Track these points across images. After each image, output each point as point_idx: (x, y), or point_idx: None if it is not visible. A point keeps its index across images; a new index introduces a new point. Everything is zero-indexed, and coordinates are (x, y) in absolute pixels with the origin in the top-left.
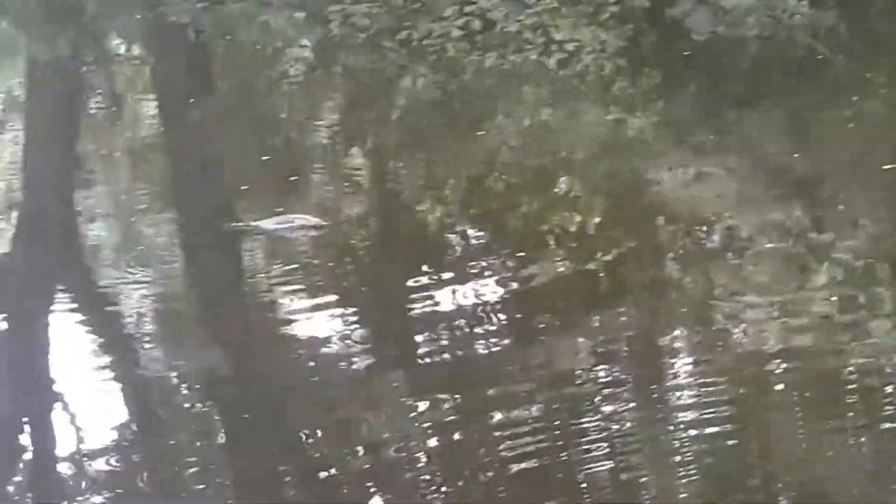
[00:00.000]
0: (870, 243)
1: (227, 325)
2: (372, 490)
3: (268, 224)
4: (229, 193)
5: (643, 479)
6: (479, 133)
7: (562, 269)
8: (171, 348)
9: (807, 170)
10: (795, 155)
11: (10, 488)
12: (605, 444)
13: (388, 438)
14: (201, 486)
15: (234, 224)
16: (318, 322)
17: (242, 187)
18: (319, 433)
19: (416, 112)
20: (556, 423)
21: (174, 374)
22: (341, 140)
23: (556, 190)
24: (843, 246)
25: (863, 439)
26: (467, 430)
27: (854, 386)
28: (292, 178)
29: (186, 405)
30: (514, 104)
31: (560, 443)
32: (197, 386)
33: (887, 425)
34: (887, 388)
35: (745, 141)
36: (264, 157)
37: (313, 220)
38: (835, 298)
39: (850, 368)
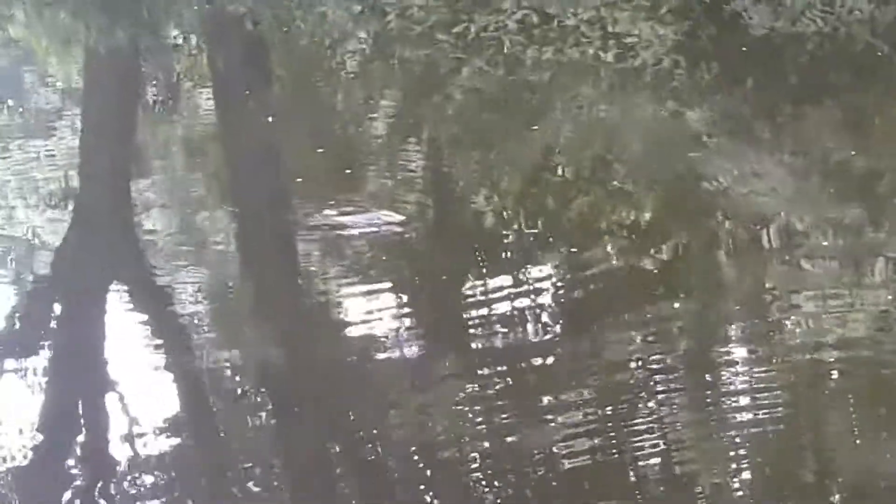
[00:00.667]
0: None
1: (281, 315)
2: (422, 482)
3: (356, 220)
4: (286, 186)
5: (696, 474)
6: (534, 128)
7: (616, 263)
8: (224, 338)
9: (865, 167)
10: (853, 153)
11: (66, 466)
12: (658, 439)
13: (440, 430)
14: (251, 471)
15: (318, 221)
16: (373, 315)
17: (297, 179)
18: (371, 422)
19: (473, 106)
20: (608, 417)
21: (227, 363)
22: (398, 133)
23: (611, 185)
24: None
25: None
26: (518, 425)
27: None
28: (347, 171)
29: (238, 393)
30: (571, 99)
31: (612, 436)
32: (249, 375)
33: None
34: None
35: (802, 137)
36: (320, 150)
37: (398, 217)
38: (891, 296)
39: None
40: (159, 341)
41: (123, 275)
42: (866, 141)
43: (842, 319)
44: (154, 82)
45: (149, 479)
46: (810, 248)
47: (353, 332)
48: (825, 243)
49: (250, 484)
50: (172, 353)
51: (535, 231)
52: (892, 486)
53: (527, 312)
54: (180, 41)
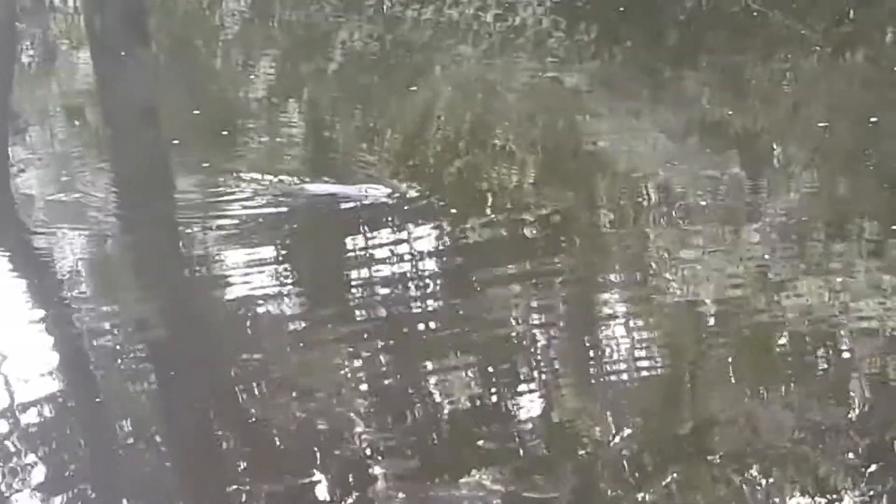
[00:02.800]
0: (804, 202)
1: (160, 275)
2: (305, 442)
3: (346, 191)
4: (165, 146)
5: (577, 425)
6: (414, 87)
7: (497, 222)
8: (103, 298)
9: (742, 126)
10: (730, 112)
11: None
12: (539, 392)
13: (322, 390)
14: (133, 438)
15: (309, 190)
16: (253, 275)
17: (174, 141)
18: (251, 380)
19: (353, 66)
20: (490, 372)
21: (106, 323)
22: (277, 94)
23: (492, 145)
24: (777, 202)
25: (794, 391)
26: (401, 381)
27: (786, 341)
28: (224, 133)
29: (119, 359)
30: (451, 58)
31: (494, 390)
32: (131, 340)
33: (817, 378)
34: (817, 343)
35: (680, 97)
36: (198, 111)
37: (385, 190)
38: (768, 253)
39: (782, 323)
40: (38, 301)
41: (1, 234)
42: (743, 100)
43: (720, 275)
44: (30, 43)
45: (28, 439)
46: (689, 205)
47: (233, 291)
48: (703, 202)
49: (131, 443)
50: (51, 314)
51: (417, 190)
52: (769, 433)
53: (408, 271)
54: (57, 2)
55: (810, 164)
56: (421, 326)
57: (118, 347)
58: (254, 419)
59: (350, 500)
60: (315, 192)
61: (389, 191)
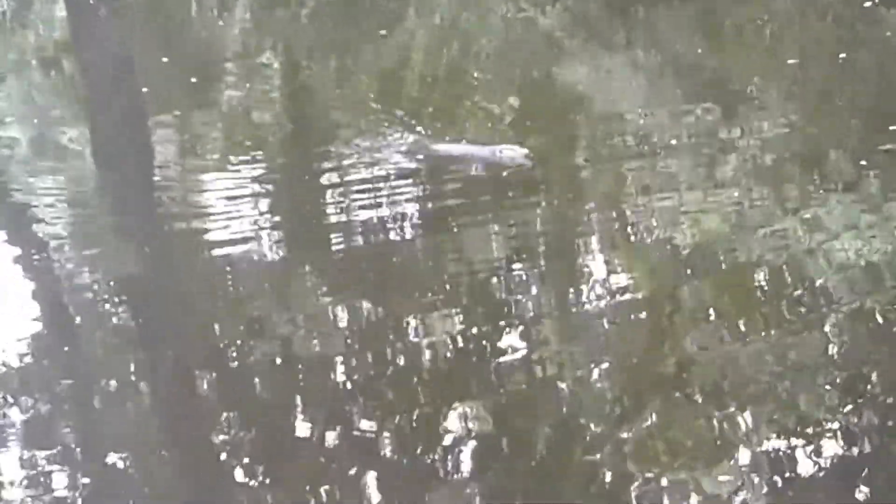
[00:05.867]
0: (778, 139)
1: (140, 226)
2: (285, 384)
3: (481, 152)
4: (141, 94)
5: (558, 370)
6: (382, 32)
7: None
8: (84, 250)
9: (716, 67)
10: (703, 51)
11: None
12: (519, 334)
13: (301, 332)
14: (112, 385)
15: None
16: (232, 222)
17: (143, 89)
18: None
19: (326, 13)
20: (470, 317)
21: (87, 276)
22: (252, 42)
23: (468, 87)
24: (752, 142)
25: (772, 328)
26: (380, 325)
27: (763, 277)
28: (193, 80)
29: (99, 305)
30: (425, 2)
31: (474, 330)
32: (110, 286)
33: (794, 315)
34: (794, 279)
35: (655, 38)
36: (171, 59)
37: (521, 151)
38: (744, 192)
39: (759, 260)
40: (16, 253)
41: None
42: (717, 41)
43: (696, 213)
44: None
45: (9, 394)
46: (664, 144)
47: (212, 237)
48: (679, 141)
49: (112, 396)
50: (31, 269)
51: (392, 128)
52: (747, 374)
53: (387, 216)
54: None
55: (784, 101)
56: (400, 265)
57: (99, 303)
58: (234, 362)
59: (331, 438)
60: (448, 152)
61: (526, 151)
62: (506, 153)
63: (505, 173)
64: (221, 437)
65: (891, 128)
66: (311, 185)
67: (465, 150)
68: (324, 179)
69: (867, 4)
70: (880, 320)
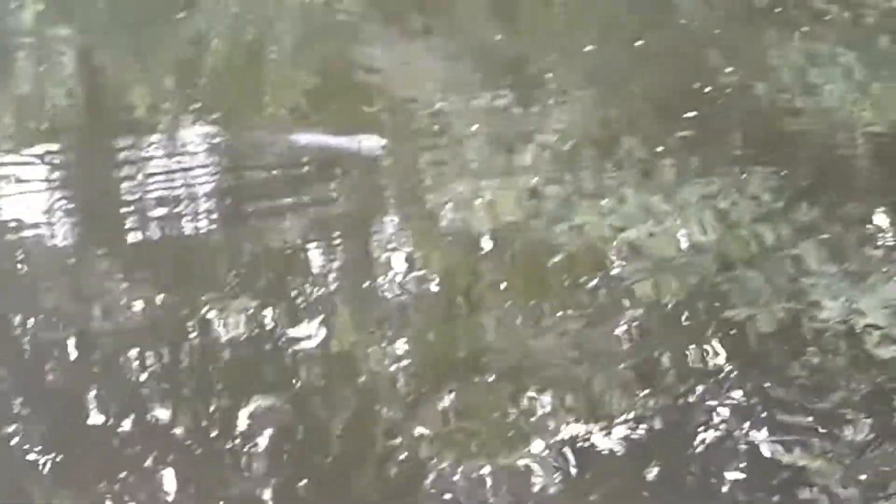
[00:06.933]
0: (575, 126)
1: None
2: (78, 374)
3: (337, 141)
4: None
5: (355, 355)
6: (180, 15)
7: (274, 149)
8: None
9: (513, 53)
10: (500, 36)
11: None
12: (316, 323)
13: (95, 322)
14: None
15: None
16: (23, 207)
17: None
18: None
19: None
20: (266, 302)
21: None
22: (46, 22)
23: (266, 73)
24: (548, 127)
25: (568, 314)
26: (176, 312)
27: (559, 264)
28: None
29: None
30: None
31: (270, 319)
32: None
33: (590, 301)
34: (590, 266)
35: (452, 24)
36: None
37: (379, 141)
38: (541, 179)
39: (555, 247)
40: None
41: None
42: (514, 27)
43: (493, 201)
44: None
45: None
46: (462, 132)
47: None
48: (474, 128)
49: None
50: None
51: (190, 115)
52: (543, 360)
53: (184, 204)
54: None
55: (580, 88)
56: (196, 254)
57: None
58: (26, 354)
59: (125, 429)
60: (306, 142)
61: (385, 142)
62: (364, 143)
63: (305, 159)
64: (13, 426)
65: (686, 114)
66: (105, 173)
67: (323, 140)
68: (119, 167)
69: None
70: (673, 308)
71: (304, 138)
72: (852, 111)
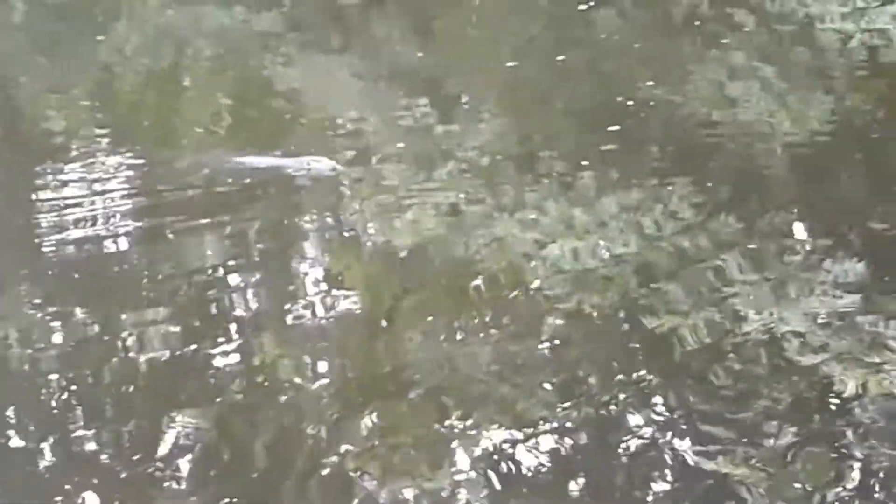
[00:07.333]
0: (494, 141)
1: None
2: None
3: (288, 164)
4: None
5: (278, 372)
6: (100, 38)
7: (191, 169)
8: None
9: (432, 70)
10: (420, 54)
11: None
12: (237, 342)
13: (15, 343)
14: None
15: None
16: None
17: None
18: None
19: (39, 15)
20: (187, 321)
21: None
22: None
23: (183, 93)
24: (469, 143)
25: (490, 329)
26: (97, 333)
27: (481, 279)
28: None
29: None
30: (139, 5)
31: (192, 339)
32: None
33: (512, 316)
34: (512, 281)
35: (371, 42)
36: None
37: (329, 163)
38: (461, 195)
39: (477, 262)
40: None
41: None
42: (433, 44)
43: (414, 217)
44: None
45: None
46: (383, 150)
47: None
48: (393, 144)
49: None
50: None
51: (107, 137)
52: (467, 375)
53: (102, 226)
54: None
55: (500, 103)
56: (116, 275)
57: None
58: None
59: (46, 450)
60: (256, 165)
61: (333, 164)
62: (314, 165)
63: (230, 180)
64: None
65: (608, 128)
66: (24, 195)
67: (275, 162)
68: (38, 189)
69: (581, 7)
70: (596, 320)
71: (256, 161)
72: (771, 123)
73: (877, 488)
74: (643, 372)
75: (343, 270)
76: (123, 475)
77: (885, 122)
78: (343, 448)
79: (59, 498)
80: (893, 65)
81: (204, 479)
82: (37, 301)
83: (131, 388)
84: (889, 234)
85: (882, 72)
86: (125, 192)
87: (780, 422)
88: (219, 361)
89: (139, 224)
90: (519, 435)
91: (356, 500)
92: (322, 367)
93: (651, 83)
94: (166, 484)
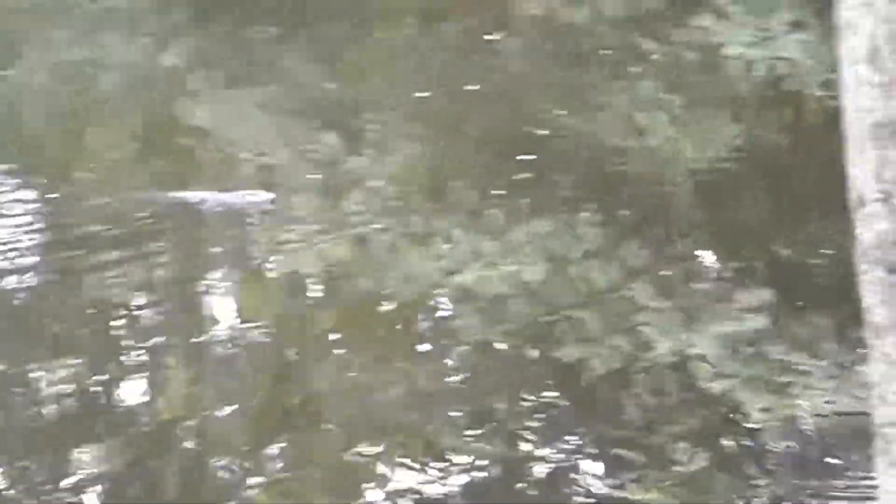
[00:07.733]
0: (404, 171)
1: None
2: None
3: (222, 198)
4: None
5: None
6: (5, 72)
7: (94, 203)
8: None
9: (341, 101)
10: (329, 86)
11: None
12: (146, 376)
13: None
14: None
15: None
16: None
17: None
18: None
19: None
20: (94, 360)
21: None
22: None
23: (89, 126)
24: (378, 172)
25: (399, 359)
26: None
27: (390, 309)
28: None
29: None
30: (44, 40)
31: (100, 374)
32: None
33: (422, 345)
34: (421, 310)
35: (279, 73)
36: None
37: (266, 196)
38: (370, 224)
39: (386, 292)
40: None
41: None
42: (341, 76)
43: (323, 248)
44: None
45: None
46: (289, 181)
47: None
48: (301, 175)
49: None
50: None
51: (12, 171)
52: (376, 406)
53: (9, 262)
54: None
55: (409, 133)
56: (22, 313)
57: None
58: None
59: None
60: (189, 199)
61: (273, 196)
62: (248, 198)
63: (136, 214)
64: None
65: (517, 157)
66: None
67: (210, 197)
68: None
69: (487, 38)
70: (505, 349)
71: (189, 195)
72: (677, 150)
73: None
74: (552, 399)
75: (251, 302)
76: None
77: (790, 149)
78: (253, 480)
79: None
80: (798, 93)
81: None
82: None
83: (37, 423)
84: (795, 259)
85: (787, 99)
86: (29, 227)
87: (691, 446)
88: (126, 394)
89: (45, 258)
90: (429, 464)
91: None
92: (231, 398)
93: (561, 112)
94: None
